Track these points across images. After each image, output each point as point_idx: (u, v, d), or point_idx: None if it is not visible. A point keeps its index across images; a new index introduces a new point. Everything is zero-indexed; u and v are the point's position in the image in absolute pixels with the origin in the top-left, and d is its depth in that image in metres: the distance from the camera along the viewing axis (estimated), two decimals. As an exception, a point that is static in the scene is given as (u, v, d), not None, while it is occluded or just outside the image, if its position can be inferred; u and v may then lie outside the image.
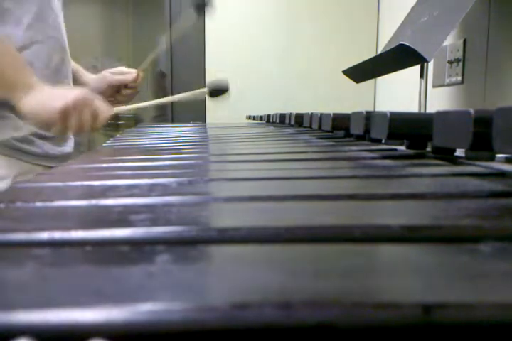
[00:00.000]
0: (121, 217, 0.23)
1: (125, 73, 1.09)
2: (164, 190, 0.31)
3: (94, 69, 1.14)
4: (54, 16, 0.92)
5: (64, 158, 0.96)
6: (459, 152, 0.44)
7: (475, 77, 1.17)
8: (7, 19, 0.84)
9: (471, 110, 0.34)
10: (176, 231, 0.20)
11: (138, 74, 1.08)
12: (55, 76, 0.90)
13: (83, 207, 0.26)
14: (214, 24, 1.92)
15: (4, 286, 0.14)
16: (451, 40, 1.26)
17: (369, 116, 0.53)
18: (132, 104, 1.05)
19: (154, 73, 2.53)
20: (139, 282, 0.14)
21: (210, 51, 1.94)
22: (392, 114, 0.46)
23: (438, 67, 1.33)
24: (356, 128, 0.57)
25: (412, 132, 0.46)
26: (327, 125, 0.71)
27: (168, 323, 0.12)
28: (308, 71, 1.94)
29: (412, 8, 1.27)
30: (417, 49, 0.94)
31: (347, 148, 0.59)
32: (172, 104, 2.03)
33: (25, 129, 0.87)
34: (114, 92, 1.09)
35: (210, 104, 1.93)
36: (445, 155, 0.44)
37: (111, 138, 0.97)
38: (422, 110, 1.16)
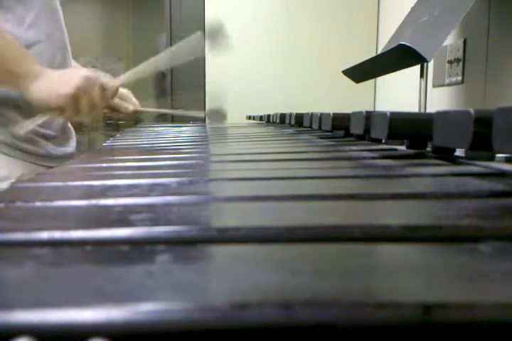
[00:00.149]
0: (122, 217, 0.23)
1: (126, 100, 1.06)
2: (164, 190, 0.31)
3: (95, 69, 1.14)
4: (55, 15, 0.92)
5: (66, 158, 0.96)
6: (459, 152, 0.44)
7: (475, 77, 1.17)
8: (9, 18, 0.84)
9: (471, 110, 0.34)
10: (176, 231, 0.20)
11: (134, 112, 1.06)
12: None
13: (83, 207, 0.26)
14: (214, 24, 1.91)
15: (4, 286, 0.14)
16: (451, 40, 1.26)
17: (369, 116, 0.53)
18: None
19: (155, 74, 2.53)
20: (139, 282, 0.14)
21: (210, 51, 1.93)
22: (392, 114, 0.46)
23: (438, 67, 1.33)
24: (356, 128, 0.57)
25: (412, 132, 0.46)
26: (327, 125, 0.71)
27: (168, 323, 0.12)
28: (308, 71, 1.94)
29: (412, 8, 1.27)
30: (417, 49, 0.94)
31: (347, 147, 0.59)
32: (172, 104, 2.03)
33: (28, 129, 0.87)
34: (107, 110, 1.06)
35: (210, 103, 1.93)
36: (445, 155, 0.44)
37: (111, 138, 0.97)
38: (422, 110, 1.16)
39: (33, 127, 0.84)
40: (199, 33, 0.95)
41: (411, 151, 0.49)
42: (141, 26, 3.32)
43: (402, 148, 0.52)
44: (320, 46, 1.94)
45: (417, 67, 1.16)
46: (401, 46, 0.97)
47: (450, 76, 1.28)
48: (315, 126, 0.80)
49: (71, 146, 1.02)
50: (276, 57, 1.95)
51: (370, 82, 1.81)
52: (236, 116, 1.83)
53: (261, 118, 1.55)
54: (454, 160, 0.42)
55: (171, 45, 2.02)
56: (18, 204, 0.27)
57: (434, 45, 0.96)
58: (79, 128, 1.06)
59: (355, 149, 0.56)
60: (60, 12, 0.95)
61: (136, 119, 2.03)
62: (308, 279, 0.14)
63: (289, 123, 1.09)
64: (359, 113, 0.56)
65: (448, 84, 1.30)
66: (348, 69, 1.36)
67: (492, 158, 0.40)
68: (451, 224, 0.21)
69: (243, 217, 0.24)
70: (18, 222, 0.23)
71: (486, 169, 0.37)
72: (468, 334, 0.12)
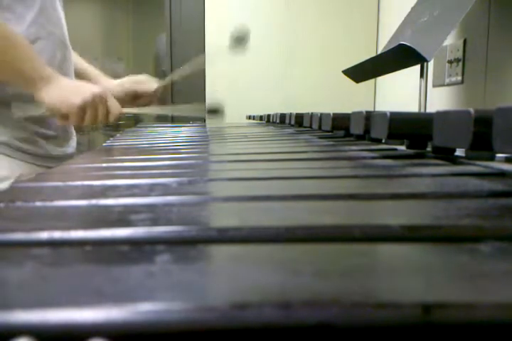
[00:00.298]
0: (122, 217, 0.23)
1: (146, 82, 1.10)
2: (164, 190, 0.31)
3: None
4: (55, 13, 0.92)
5: (66, 158, 0.96)
6: (459, 152, 0.44)
7: (475, 77, 1.17)
8: (9, 17, 0.84)
9: (471, 110, 0.34)
10: (176, 231, 0.20)
11: (157, 89, 1.09)
12: (59, 73, 0.91)
13: (83, 207, 0.26)
14: (214, 24, 1.92)
15: (4, 286, 0.14)
16: (451, 40, 1.26)
17: (369, 116, 0.53)
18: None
19: (155, 73, 2.53)
20: (139, 282, 0.14)
21: (210, 51, 1.94)
22: (392, 114, 0.46)
23: (438, 67, 1.33)
24: (356, 128, 0.57)
25: (412, 132, 0.46)
26: (327, 125, 0.71)
27: (168, 323, 0.12)
28: (308, 71, 1.94)
29: (412, 8, 1.27)
30: (417, 49, 0.94)
31: (347, 147, 0.59)
32: (172, 104, 2.03)
33: (29, 129, 0.88)
34: (130, 100, 1.10)
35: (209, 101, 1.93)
36: (445, 155, 0.44)
37: (111, 138, 0.97)
38: (422, 110, 1.16)
39: (31, 114, 0.86)
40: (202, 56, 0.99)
41: (411, 151, 0.49)
42: (141, 26, 3.32)
43: (402, 148, 0.52)
44: (320, 46, 1.94)
45: (417, 67, 1.16)
46: (401, 46, 0.97)
47: (450, 76, 1.28)
48: (315, 126, 0.80)
49: (71, 147, 1.02)
50: (277, 56, 1.94)
51: (370, 82, 1.81)
52: (236, 116, 1.83)
53: (261, 118, 1.55)
54: (454, 160, 0.42)
55: (171, 45, 2.02)
56: (18, 204, 0.27)
57: (434, 45, 0.96)
58: (79, 128, 1.06)
59: (355, 149, 0.56)
60: (60, 10, 0.95)
61: (136, 119, 2.03)
62: (308, 279, 0.14)
63: (289, 123, 1.09)
64: (359, 113, 0.56)
65: (448, 84, 1.30)
66: (348, 69, 1.36)
67: (492, 158, 0.40)
68: (451, 224, 0.21)
69: (243, 217, 0.24)
70: (18, 222, 0.23)
71: (486, 169, 0.37)
72: (468, 334, 0.12)
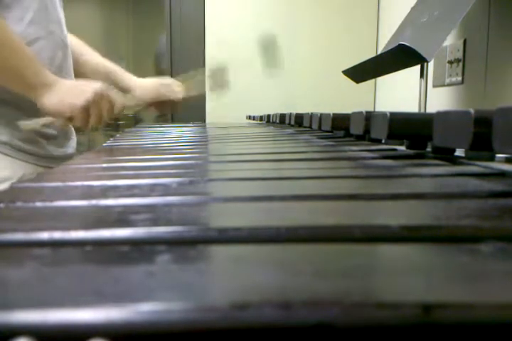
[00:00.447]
0: (122, 217, 0.23)
1: (172, 87, 1.06)
2: (164, 190, 0.31)
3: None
4: (55, 12, 0.92)
5: (67, 159, 0.96)
6: (459, 152, 0.44)
7: (475, 77, 1.17)
8: (8, 16, 0.84)
9: (471, 110, 0.34)
10: (177, 231, 0.20)
11: (183, 96, 1.05)
12: (59, 73, 0.90)
13: (83, 207, 0.26)
14: (214, 24, 1.92)
15: (4, 286, 0.14)
16: (451, 40, 1.26)
17: (369, 116, 0.53)
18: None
19: (156, 72, 2.53)
20: (139, 282, 0.14)
21: (210, 51, 1.94)
22: (392, 114, 0.46)
23: (438, 67, 1.33)
24: (356, 128, 0.57)
25: (412, 132, 0.46)
26: (327, 125, 0.71)
27: (168, 323, 0.12)
28: (308, 71, 1.94)
29: (412, 8, 1.27)
30: (417, 49, 0.94)
31: (347, 148, 0.59)
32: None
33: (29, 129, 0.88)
34: (153, 102, 1.07)
35: (211, 103, 1.93)
36: (445, 155, 0.44)
37: (111, 138, 0.97)
38: (422, 110, 1.16)
39: (37, 127, 0.85)
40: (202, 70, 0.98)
41: (411, 151, 0.49)
42: (141, 26, 3.32)
43: (402, 148, 0.52)
44: (320, 46, 1.94)
45: (417, 67, 1.16)
46: (401, 46, 0.97)
47: (450, 76, 1.28)
48: (315, 126, 0.80)
49: (71, 147, 1.02)
50: (276, 57, 1.94)
51: (370, 82, 1.81)
52: (236, 116, 1.83)
53: (261, 118, 1.55)
54: (454, 160, 0.42)
55: (171, 45, 2.02)
56: (18, 204, 0.27)
57: (434, 45, 0.96)
58: (79, 128, 1.06)
59: (355, 149, 0.56)
60: (60, 10, 0.95)
61: (136, 119, 2.03)
62: (308, 279, 0.14)
63: (289, 124, 1.09)
64: (359, 113, 0.56)
65: (448, 84, 1.30)
66: (348, 70, 1.36)
67: (492, 158, 0.40)
68: (451, 224, 0.21)
69: (243, 217, 0.24)
70: (18, 222, 0.23)
71: (486, 169, 0.37)
72: (468, 334, 0.12)
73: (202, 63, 1.93)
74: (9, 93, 0.85)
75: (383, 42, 1.54)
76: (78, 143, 1.07)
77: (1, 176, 0.85)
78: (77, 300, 0.13)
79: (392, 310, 0.12)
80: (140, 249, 0.18)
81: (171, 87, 1.07)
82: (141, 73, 1.14)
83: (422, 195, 0.28)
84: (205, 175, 0.43)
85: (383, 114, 0.46)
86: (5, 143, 0.87)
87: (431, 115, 0.40)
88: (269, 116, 1.40)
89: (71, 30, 1.00)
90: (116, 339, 0.11)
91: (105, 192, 0.31)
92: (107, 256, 0.17)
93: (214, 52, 1.94)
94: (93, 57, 1.07)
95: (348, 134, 0.71)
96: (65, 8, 0.98)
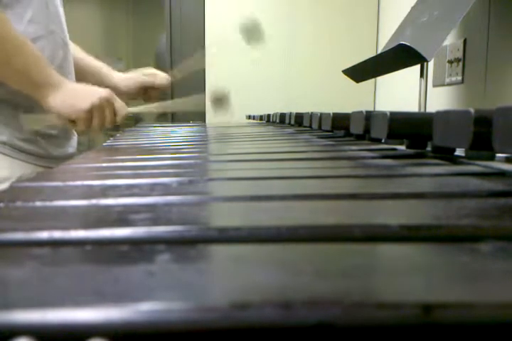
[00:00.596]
0: (122, 217, 0.23)
1: (155, 75, 1.11)
2: (164, 190, 0.31)
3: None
4: (55, 12, 0.92)
5: (67, 159, 0.96)
6: (459, 151, 0.44)
7: (475, 77, 1.17)
8: (8, 15, 0.84)
9: (471, 110, 0.34)
10: (177, 230, 0.20)
11: (168, 79, 1.10)
12: (60, 72, 0.90)
13: (83, 207, 0.26)
14: (214, 24, 1.92)
15: (4, 286, 0.14)
16: (451, 40, 1.26)
17: (369, 116, 0.53)
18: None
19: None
20: (139, 281, 0.14)
21: (210, 51, 1.94)
22: (392, 113, 0.46)
23: (438, 66, 1.33)
24: (356, 128, 0.57)
25: (412, 132, 0.46)
26: (327, 125, 0.71)
27: (168, 323, 0.12)
28: (308, 71, 1.94)
29: (412, 8, 1.27)
30: (417, 49, 0.94)
31: (347, 147, 0.59)
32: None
33: (29, 129, 0.88)
34: (141, 92, 1.10)
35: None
36: (445, 154, 0.44)
37: (111, 138, 0.97)
38: (422, 110, 1.16)
39: (40, 125, 0.86)
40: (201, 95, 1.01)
41: (411, 151, 0.49)
42: (141, 26, 3.32)
43: (402, 147, 0.52)
44: (320, 46, 1.94)
45: (417, 67, 1.16)
46: (401, 46, 0.97)
47: (450, 76, 1.28)
48: (315, 125, 0.80)
49: (72, 147, 1.02)
50: (276, 56, 1.94)
51: (370, 82, 1.81)
52: (236, 116, 1.83)
53: (261, 118, 1.55)
54: (454, 160, 0.42)
55: (171, 45, 2.02)
56: (18, 204, 0.27)
57: (434, 45, 0.96)
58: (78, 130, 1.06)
59: (355, 149, 0.56)
60: (61, 9, 0.95)
61: (136, 119, 2.03)
62: (308, 279, 0.14)
63: (289, 123, 1.09)
64: (359, 113, 0.56)
65: (448, 84, 1.30)
66: (348, 69, 1.36)
67: (492, 158, 0.40)
68: (451, 223, 0.21)
69: (243, 217, 0.24)
70: (18, 222, 0.23)
71: (486, 169, 0.37)
72: (468, 334, 0.12)
73: (202, 63, 1.93)
74: (9, 93, 0.85)
75: (383, 42, 1.54)
76: (78, 143, 1.07)
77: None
78: (77, 300, 0.13)
79: (393, 310, 0.12)
80: (140, 249, 0.18)
81: (154, 73, 1.11)
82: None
83: (422, 194, 0.28)
84: (205, 175, 0.43)
85: (383, 114, 0.46)
86: (4, 143, 0.87)
87: (431, 115, 0.40)
88: (269, 115, 1.40)
89: (71, 30, 0.99)
90: (116, 339, 0.11)
91: (105, 191, 0.31)
92: (107, 255, 0.17)
93: (214, 52, 1.93)
94: (79, 55, 1.07)
95: (348, 134, 0.71)
96: (64, 8, 0.98)
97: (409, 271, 0.16)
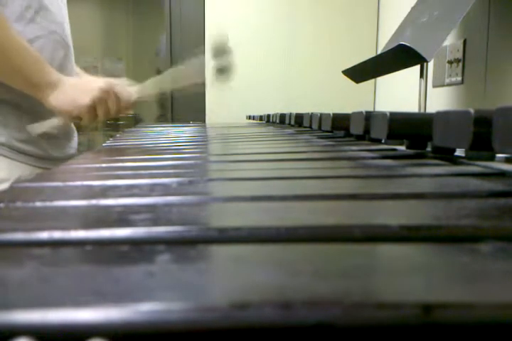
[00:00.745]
0: (122, 217, 0.23)
1: (125, 88, 0.93)
2: (164, 190, 0.31)
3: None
4: (58, 11, 0.92)
5: (67, 160, 0.95)
6: (459, 152, 0.44)
7: (475, 77, 1.17)
8: (8, 15, 0.84)
9: (471, 110, 0.34)
10: (177, 231, 0.20)
11: (137, 98, 0.94)
12: (60, 72, 0.90)
13: (83, 207, 0.26)
14: (214, 24, 1.92)
15: (4, 286, 0.14)
16: (451, 40, 1.26)
17: (369, 116, 0.53)
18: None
19: (156, 73, 2.52)
20: (139, 282, 0.14)
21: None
22: (392, 114, 0.46)
23: (438, 67, 1.33)
24: (356, 128, 0.57)
25: (412, 132, 0.46)
26: (327, 125, 0.71)
27: (168, 323, 0.12)
28: (308, 71, 1.94)
29: (412, 8, 1.27)
30: (417, 49, 0.94)
31: (347, 147, 0.59)
32: (172, 103, 2.03)
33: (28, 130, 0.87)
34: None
35: (211, 103, 1.93)
36: (445, 155, 0.44)
37: (111, 138, 0.97)
38: (422, 110, 1.16)
39: (47, 129, 0.85)
40: (202, 56, 0.95)
41: (411, 151, 0.49)
42: (141, 26, 3.32)
43: (402, 148, 0.52)
44: (320, 46, 1.94)
45: (417, 67, 1.16)
46: (401, 46, 0.97)
47: (450, 76, 1.28)
48: (315, 126, 0.80)
49: (73, 148, 1.02)
50: (276, 57, 1.95)
51: (370, 82, 1.81)
52: (236, 116, 1.83)
53: (261, 118, 1.55)
54: (454, 160, 0.42)
55: (171, 45, 2.02)
56: (18, 204, 0.27)
57: (434, 45, 0.96)
58: (78, 128, 1.06)
59: (355, 149, 0.56)
60: (64, 9, 0.95)
61: (136, 119, 2.03)
62: (308, 279, 0.14)
63: (289, 124, 1.09)
64: (359, 113, 0.56)
65: (448, 84, 1.30)
66: (348, 70, 1.36)
67: (492, 158, 0.40)
68: (451, 224, 0.21)
69: (243, 217, 0.24)
70: (18, 221, 0.23)
71: (486, 169, 0.37)
72: (468, 334, 0.12)
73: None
74: (9, 93, 0.85)
75: (383, 42, 1.54)
76: (78, 143, 1.07)
77: None
78: (77, 300, 0.13)
79: (393, 310, 0.12)
80: (140, 249, 0.18)
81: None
82: (140, 73, 1.14)
83: (422, 194, 0.28)
84: (205, 175, 0.43)
85: (383, 114, 0.46)
86: (3, 145, 0.87)
87: (431, 115, 0.40)
88: (269, 116, 1.40)
89: (71, 30, 0.99)
90: (116, 339, 0.11)
91: (105, 192, 0.31)
92: (107, 255, 0.17)
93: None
94: None
95: (348, 134, 0.71)
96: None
97: (409, 271, 0.16)
